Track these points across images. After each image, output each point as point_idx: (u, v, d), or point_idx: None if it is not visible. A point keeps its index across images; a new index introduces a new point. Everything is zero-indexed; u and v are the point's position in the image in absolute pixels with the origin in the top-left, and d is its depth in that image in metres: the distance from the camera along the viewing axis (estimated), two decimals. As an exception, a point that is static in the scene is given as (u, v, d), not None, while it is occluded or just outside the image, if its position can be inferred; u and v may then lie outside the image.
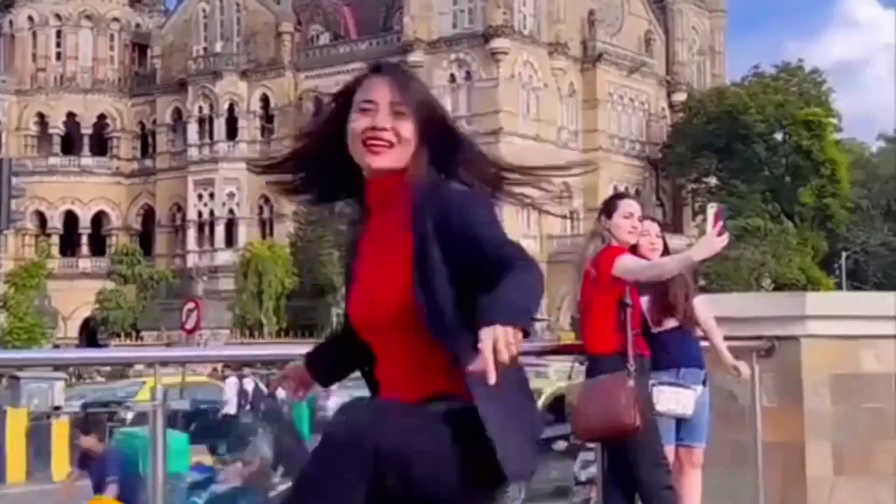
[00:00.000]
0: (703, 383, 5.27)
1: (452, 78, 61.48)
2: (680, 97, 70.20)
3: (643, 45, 69.77)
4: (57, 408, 20.40)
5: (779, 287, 55.55)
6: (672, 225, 68.54)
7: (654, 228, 5.38)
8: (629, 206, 5.27)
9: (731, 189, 63.60)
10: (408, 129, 2.46)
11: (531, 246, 59.63)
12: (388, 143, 2.45)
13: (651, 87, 69.56)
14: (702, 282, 55.64)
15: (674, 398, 5.10)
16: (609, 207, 5.28)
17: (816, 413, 5.80)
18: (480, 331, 2.12)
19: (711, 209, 4.87)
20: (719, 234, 4.73)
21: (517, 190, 2.63)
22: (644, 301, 5.22)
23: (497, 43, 59.49)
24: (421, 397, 2.38)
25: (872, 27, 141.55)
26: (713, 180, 66.43)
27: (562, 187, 2.74)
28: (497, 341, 2.09)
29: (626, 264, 5.00)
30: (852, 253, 63.94)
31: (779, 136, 63.72)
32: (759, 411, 5.76)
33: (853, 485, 5.81)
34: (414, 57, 61.69)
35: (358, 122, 2.47)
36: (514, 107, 60.02)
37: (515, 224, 59.08)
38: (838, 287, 59.56)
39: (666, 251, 5.37)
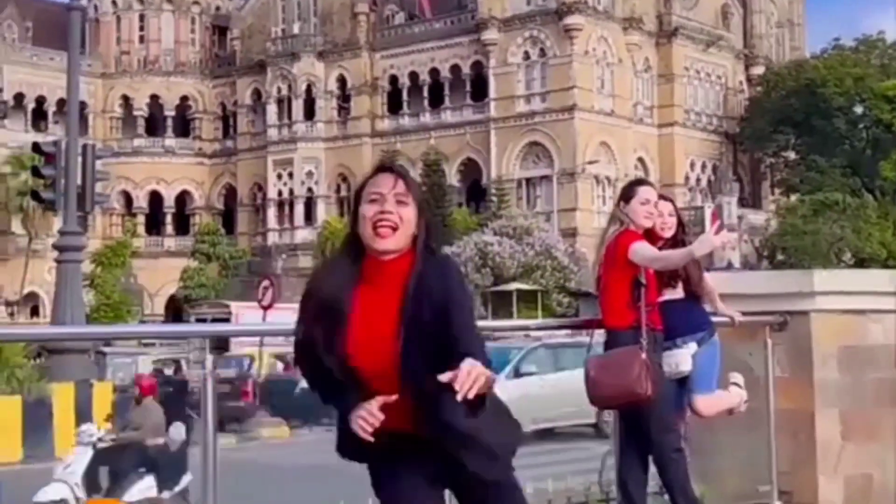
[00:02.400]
0: (700, 342, 5.64)
1: (526, 55, 61.55)
2: (758, 70, 69.36)
3: (720, 18, 69.00)
4: (142, 382, 21.25)
5: (859, 262, 54.81)
6: (751, 199, 67.99)
7: (668, 207, 5.74)
8: (647, 192, 5.67)
9: (809, 163, 62.78)
10: (409, 214, 3.08)
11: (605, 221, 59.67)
12: (393, 226, 3.05)
13: (728, 61, 68.85)
14: (781, 256, 55.31)
15: (665, 362, 5.51)
16: (628, 193, 5.69)
17: (825, 382, 6.19)
18: (464, 361, 2.81)
19: (708, 209, 5.37)
20: (717, 232, 5.20)
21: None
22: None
23: (571, 19, 59.40)
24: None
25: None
26: (792, 154, 65.60)
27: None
28: (473, 371, 2.78)
29: (638, 251, 5.42)
30: (935, 227, 62.68)
31: (859, 110, 62.58)
32: (772, 381, 6.18)
33: (859, 449, 6.18)
34: (488, 35, 61.94)
35: (367, 209, 3.08)
36: (589, 83, 59.91)
37: (591, 202, 59.25)
38: (921, 262, 58.58)
39: (680, 226, 5.74)
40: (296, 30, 68.83)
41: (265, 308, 22.60)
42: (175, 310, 61.63)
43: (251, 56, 70.53)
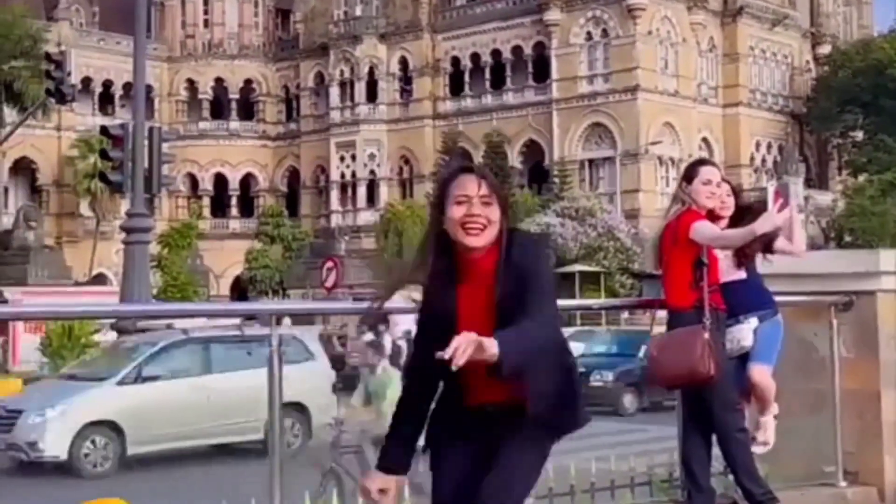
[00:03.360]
0: (762, 319, 5.64)
1: (589, 36, 61.14)
2: (824, 50, 68.28)
3: (786, -3, 68.02)
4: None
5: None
6: (817, 180, 67.04)
7: (725, 188, 5.77)
8: (709, 172, 5.68)
9: (877, 143, 61.74)
10: (495, 214, 3.31)
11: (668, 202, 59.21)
12: (481, 227, 3.29)
13: (794, 40, 67.83)
14: (848, 238, 54.53)
15: (728, 339, 5.52)
16: (690, 174, 5.70)
17: (891, 363, 6.15)
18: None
19: (771, 187, 5.36)
20: (780, 210, 5.19)
21: None
22: (720, 255, 5.64)
23: (634, -1, 58.93)
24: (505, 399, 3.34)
25: None
26: (859, 135, 64.55)
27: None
28: (461, 341, 3.01)
29: (700, 230, 5.43)
30: None
31: (927, 89, 61.40)
32: (838, 361, 6.16)
33: (926, 430, 6.17)
34: (550, 16, 61.62)
35: (456, 211, 3.30)
36: (653, 63, 59.38)
37: (655, 183, 58.83)
38: None
39: (738, 208, 5.74)
40: (358, 12, 69.02)
41: (329, 289, 22.78)
42: (241, 291, 62.39)
43: (314, 39, 70.87)
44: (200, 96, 72.75)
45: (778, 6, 66.51)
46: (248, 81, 73.39)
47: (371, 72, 68.11)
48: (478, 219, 3.27)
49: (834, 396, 6.16)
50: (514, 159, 61.75)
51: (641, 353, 19.43)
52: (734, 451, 5.52)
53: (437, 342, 3.11)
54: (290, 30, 74.70)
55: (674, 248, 5.55)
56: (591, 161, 60.27)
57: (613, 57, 59.70)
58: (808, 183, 62.49)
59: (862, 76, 61.85)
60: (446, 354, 2.99)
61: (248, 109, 73.99)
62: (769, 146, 65.89)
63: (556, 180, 56.93)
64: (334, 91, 69.34)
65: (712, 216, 5.63)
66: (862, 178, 60.92)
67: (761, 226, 5.31)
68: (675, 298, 5.53)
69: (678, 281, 5.52)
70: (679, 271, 5.51)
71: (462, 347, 3.00)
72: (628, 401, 21.93)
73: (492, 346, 3.03)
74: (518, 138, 62.65)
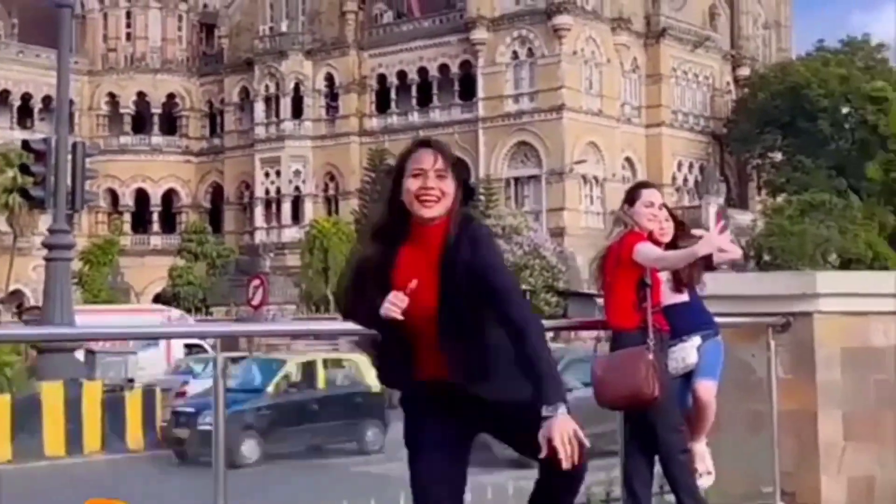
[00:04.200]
0: (704, 338, 5.67)
1: (515, 55, 61.60)
2: (744, 72, 69.62)
3: (708, 19, 69.22)
4: (130, 380, 21.23)
5: (844, 262, 55.07)
6: (737, 200, 68.20)
7: (663, 213, 5.80)
8: (651, 195, 5.72)
9: (795, 164, 63.06)
10: (449, 187, 3.46)
11: (594, 222, 59.78)
12: (435, 199, 3.43)
13: (715, 62, 69.05)
14: (767, 257, 55.51)
15: (672, 359, 5.54)
16: (632, 196, 5.73)
17: (828, 384, 6.22)
18: (546, 422, 3.26)
19: (712, 209, 5.41)
20: (720, 232, 5.24)
21: None
22: (663, 277, 5.66)
23: (559, 19, 59.47)
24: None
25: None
26: (778, 155, 65.85)
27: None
28: (563, 436, 3.22)
29: (643, 252, 5.45)
30: (920, 228, 63.04)
31: (844, 111, 62.89)
32: (775, 382, 6.20)
33: (861, 450, 6.22)
34: (476, 34, 61.96)
35: (412, 183, 3.46)
36: (577, 83, 60.01)
37: (579, 202, 59.38)
38: (906, 262, 58.85)
39: (678, 229, 5.77)
40: (284, 28, 68.75)
41: (255, 308, 22.53)
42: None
43: (239, 54, 70.40)
44: (122, 111, 71.81)
45: (699, 28, 67.69)
46: (170, 96, 72.59)
47: (297, 88, 67.83)
48: (431, 191, 3.41)
49: (772, 417, 6.20)
50: (440, 177, 61.73)
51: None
52: (677, 471, 5.54)
53: (368, 293, 3.44)
54: (214, 44, 74.10)
55: (617, 270, 5.56)
56: (516, 179, 60.64)
57: (539, 76, 60.20)
58: (729, 203, 63.56)
59: (780, 98, 63.14)
60: (385, 310, 3.36)
61: (170, 124, 73.17)
62: (690, 166, 66.90)
63: (482, 198, 57.06)
64: (259, 106, 68.92)
65: (653, 239, 5.65)
66: (780, 198, 62.11)
67: (703, 248, 5.35)
68: (618, 319, 5.54)
69: (622, 302, 5.53)
70: (622, 292, 5.52)
71: (568, 443, 3.20)
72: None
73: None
74: (444, 156, 62.66)
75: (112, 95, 71.67)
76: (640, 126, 64.45)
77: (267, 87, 68.83)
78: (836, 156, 63.52)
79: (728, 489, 6.22)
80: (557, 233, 54.94)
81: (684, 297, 5.70)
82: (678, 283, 5.69)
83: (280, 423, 16.76)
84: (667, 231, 5.68)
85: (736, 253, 5.86)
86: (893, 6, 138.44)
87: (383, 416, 17.10)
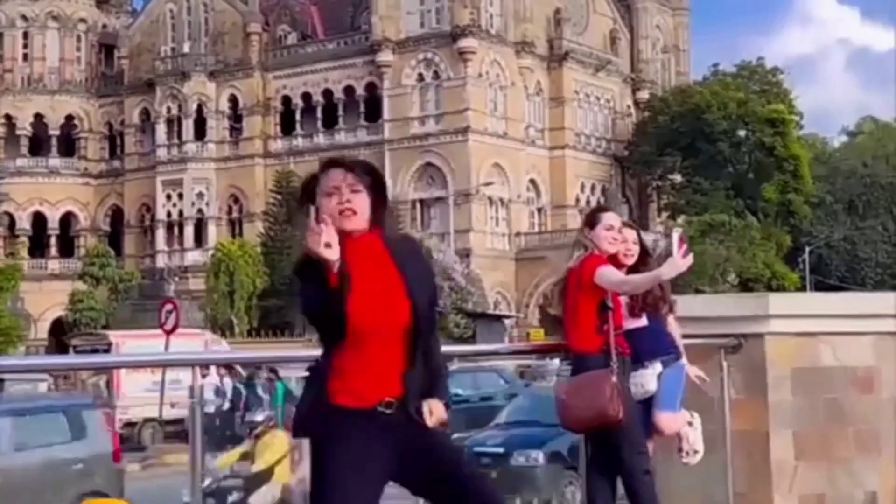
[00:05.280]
0: (665, 364, 5.72)
1: (420, 77, 61.85)
2: (645, 95, 70.92)
3: (608, 43, 70.43)
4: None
5: (743, 282, 56.33)
6: (638, 221, 69.31)
7: (632, 235, 5.83)
8: (611, 218, 5.76)
9: (695, 186, 64.40)
10: (363, 199, 3.54)
11: (500, 244, 60.16)
12: (352, 212, 3.51)
13: (616, 85, 70.24)
14: (668, 277, 56.45)
15: (632, 383, 5.59)
16: (592, 220, 5.76)
17: (779, 404, 6.33)
18: (432, 400, 3.55)
19: (676, 233, 5.47)
20: (684, 256, 5.31)
21: None
22: (623, 300, 5.71)
23: (464, 42, 59.91)
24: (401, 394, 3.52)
25: (829, 22, 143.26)
26: (678, 177, 67.12)
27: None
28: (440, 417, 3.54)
29: (605, 276, 5.48)
30: (815, 248, 64.90)
31: (742, 133, 64.50)
32: (728, 403, 6.30)
33: (812, 469, 6.34)
34: (382, 56, 62.06)
35: (327, 202, 3.51)
36: (482, 105, 60.48)
37: (485, 223, 59.75)
38: (802, 281, 60.45)
39: (644, 254, 5.83)
40: (186, 49, 67.96)
41: (168, 332, 22.15)
42: (59, 335, 60.02)
43: (139, 75, 69.35)
44: (18, 132, 70.12)
45: (601, 52, 68.81)
46: (69, 117, 71.14)
47: (199, 109, 67.08)
48: (348, 205, 3.50)
49: (724, 437, 6.28)
50: (347, 199, 61.56)
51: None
52: (640, 492, 5.57)
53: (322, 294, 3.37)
54: (114, 65, 72.90)
55: (578, 293, 5.59)
56: (422, 201, 60.76)
57: (444, 98, 60.52)
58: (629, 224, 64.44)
59: (680, 121, 64.46)
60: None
61: (69, 146, 71.69)
62: (593, 188, 67.81)
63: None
64: (161, 128, 67.95)
65: (615, 262, 5.69)
66: (680, 219, 63.29)
67: (667, 271, 5.41)
68: (580, 343, 5.56)
69: (583, 325, 5.56)
70: (584, 316, 5.55)
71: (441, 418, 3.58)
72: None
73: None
74: (350, 178, 62.51)
75: (8, 117, 69.96)
76: (544, 148, 65.17)
77: (169, 108, 67.91)
78: (733, 177, 65.07)
79: (682, 509, 6.30)
80: (464, 254, 55.18)
81: (643, 321, 5.75)
82: (636, 308, 5.73)
83: None
84: (632, 253, 5.73)
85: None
86: (784, 30, 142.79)
87: None
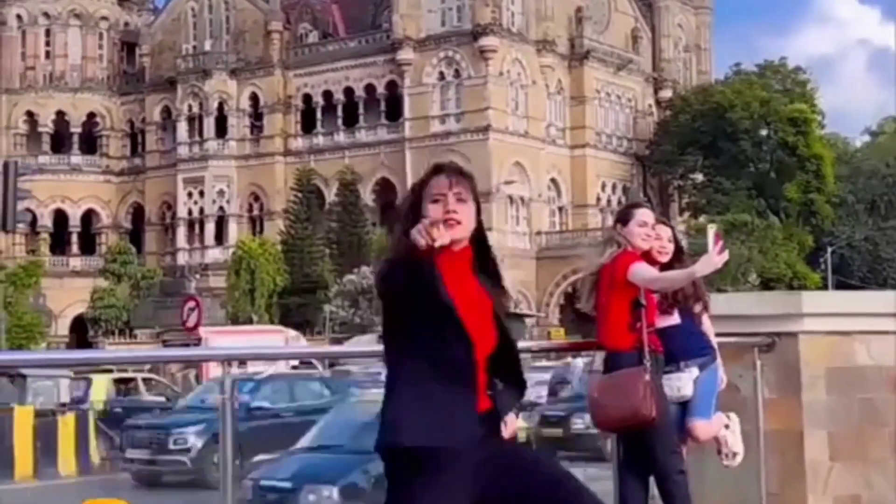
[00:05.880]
0: (702, 367, 5.64)
1: (441, 76, 61.83)
2: (666, 94, 70.70)
3: (630, 42, 70.24)
4: (63, 405, 20.71)
5: (765, 282, 56.04)
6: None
7: (666, 233, 5.74)
8: (644, 215, 5.67)
9: (716, 185, 64.12)
10: (469, 209, 3.39)
11: (521, 242, 60.04)
12: (457, 222, 3.33)
13: (638, 84, 70.03)
14: (689, 277, 56.26)
15: (667, 385, 5.50)
16: (625, 216, 5.68)
17: (813, 403, 6.23)
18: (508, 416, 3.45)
19: (711, 230, 5.37)
20: (719, 253, 5.21)
21: None
22: (655, 298, 5.63)
23: (485, 41, 59.85)
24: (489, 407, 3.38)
25: (849, 23, 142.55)
26: (699, 177, 66.90)
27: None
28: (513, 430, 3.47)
29: (638, 272, 5.40)
30: (837, 248, 64.50)
31: (764, 133, 64.20)
32: (761, 402, 6.20)
33: (847, 470, 6.24)
34: (403, 55, 62.05)
35: (432, 209, 3.35)
36: (503, 104, 60.41)
37: (505, 222, 59.63)
38: (824, 282, 60.10)
39: (678, 252, 5.75)
40: (207, 47, 68.13)
41: (190, 330, 22.18)
42: (81, 331, 60.28)
43: (161, 73, 69.56)
44: (40, 129, 70.48)
45: (622, 51, 68.62)
46: (91, 115, 71.46)
47: (220, 107, 67.26)
48: (454, 214, 3.34)
49: (758, 437, 6.19)
50: (367, 197, 61.71)
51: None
52: (674, 493, 5.49)
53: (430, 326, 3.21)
54: (135, 63, 73.16)
55: (611, 290, 5.51)
56: (443, 200, 60.63)
57: (465, 97, 60.47)
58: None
59: (702, 120, 64.21)
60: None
61: (90, 144, 71.99)
62: (614, 187, 67.63)
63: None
64: (182, 126, 68.16)
65: (648, 258, 5.61)
66: (702, 218, 63.03)
67: (702, 268, 5.32)
68: (613, 340, 5.48)
69: (616, 323, 5.47)
70: (617, 313, 5.46)
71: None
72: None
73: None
74: (370, 176, 62.66)
75: (30, 114, 70.34)
76: (565, 147, 65.03)
77: (190, 106, 68.12)
78: (755, 177, 64.81)
79: (715, 510, 6.22)
80: (485, 253, 55.02)
81: (675, 319, 5.67)
82: (666, 304, 5.65)
83: None
84: (667, 250, 5.65)
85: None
86: (805, 30, 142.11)
87: None
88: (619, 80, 68.07)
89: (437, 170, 3.46)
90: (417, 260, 3.15)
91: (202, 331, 30.39)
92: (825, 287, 58.29)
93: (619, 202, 66.31)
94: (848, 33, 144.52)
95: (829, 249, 62.08)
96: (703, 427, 5.62)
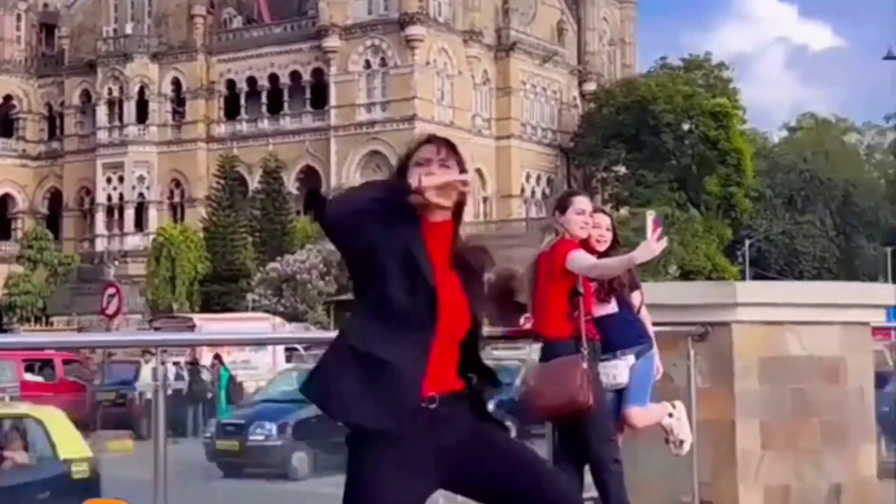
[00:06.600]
0: (638, 355, 5.62)
1: (367, 64, 61.57)
2: (591, 87, 71.24)
3: (556, 34, 70.60)
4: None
5: (685, 273, 56.76)
6: (582, 212, 69.58)
7: (605, 221, 5.73)
8: (582, 203, 5.64)
9: (639, 178, 64.76)
10: (451, 177, 3.22)
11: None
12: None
13: (563, 77, 70.45)
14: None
15: (603, 373, 5.49)
16: (564, 204, 5.64)
17: (746, 393, 6.25)
18: None
19: (650, 217, 5.34)
20: (658, 240, 5.18)
21: None
22: (592, 286, 5.60)
23: (412, 30, 59.72)
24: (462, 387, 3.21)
25: (768, 20, 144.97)
26: (622, 169, 67.52)
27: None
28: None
29: (577, 260, 5.36)
30: (755, 241, 65.58)
31: (686, 127, 65.02)
32: (694, 392, 6.22)
33: (778, 459, 6.27)
34: (329, 42, 61.64)
35: (414, 172, 3.21)
36: (429, 93, 60.37)
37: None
38: (742, 274, 61.06)
39: (615, 241, 5.74)
40: (128, 30, 67.01)
41: (110, 316, 21.77)
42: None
43: (80, 56, 68.30)
44: (-45, 111, 68.80)
45: (548, 43, 68.95)
46: (7, 98, 69.97)
47: (142, 92, 66.26)
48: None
49: (690, 426, 6.20)
50: (291, 185, 61.25)
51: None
52: (608, 481, 5.47)
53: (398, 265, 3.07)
54: (54, 45, 71.70)
55: (549, 279, 5.47)
56: (367, 189, 60.39)
57: (391, 86, 60.30)
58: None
59: (625, 113, 64.79)
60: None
61: (7, 127, 70.50)
62: (538, 178, 68.01)
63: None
64: (102, 110, 67.04)
65: (586, 247, 5.58)
66: (624, 210, 63.61)
67: (641, 255, 5.29)
68: (551, 329, 5.44)
69: (555, 311, 5.43)
70: (555, 302, 5.42)
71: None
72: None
73: None
74: (295, 164, 62.21)
75: (-55, 96, 68.65)
76: (491, 138, 65.22)
77: (110, 90, 67.02)
78: (677, 170, 65.56)
79: (647, 499, 6.21)
80: (410, 242, 54.97)
81: (612, 307, 5.65)
82: (602, 293, 5.63)
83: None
84: (605, 240, 5.63)
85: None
86: (725, 27, 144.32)
87: None
88: (544, 72, 68.41)
89: (428, 140, 3.36)
90: (404, 203, 3.06)
91: (194, 317, 31.64)
92: (743, 280, 59.29)
93: (544, 193, 66.74)
94: (767, 31, 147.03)
95: (748, 242, 63.09)
96: (638, 414, 5.61)
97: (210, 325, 28.37)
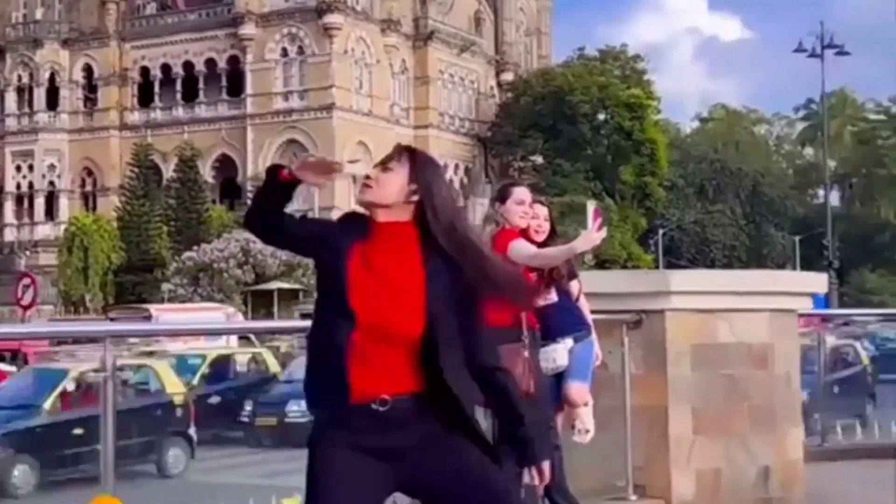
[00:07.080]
0: (577, 340, 5.71)
1: (285, 52, 61.07)
2: (508, 77, 71.58)
3: (473, 24, 70.76)
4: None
5: (600, 262, 57.36)
6: (499, 202, 69.98)
7: (543, 212, 5.80)
8: (521, 193, 5.71)
9: (556, 167, 65.30)
10: (390, 178, 3.14)
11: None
12: (370, 184, 3.15)
13: (480, 67, 70.67)
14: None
15: (542, 358, 5.56)
16: (503, 194, 5.71)
17: (678, 379, 6.40)
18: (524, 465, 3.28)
19: (591, 206, 5.49)
20: (598, 229, 5.28)
21: None
22: (533, 276, 5.68)
23: (330, 18, 59.36)
24: (405, 391, 3.04)
25: (678, 11, 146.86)
26: (539, 159, 68.00)
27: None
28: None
29: (518, 249, 5.42)
30: (668, 230, 66.59)
31: (602, 117, 65.71)
32: (628, 378, 6.35)
33: (709, 443, 6.44)
34: (245, 30, 61.00)
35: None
36: (347, 82, 60.10)
37: (345, 201, 59.33)
38: (655, 263, 61.96)
39: (553, 232, 5.82)
40: (38, 15, 65.60)
41: (25, 307, 21.34)
42: None
43: (-12, 41, 66.60)
44: None
45: (466, 33, 69.09)
46: (-89, 83, 67.85)
47: (52, 78, 64.97)
48: (367, 180, 3.18)
49: (625, 412, 6.33)
50: (207, 174, 60.55)
51: None
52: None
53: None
54: (-39, 30, 69.78)
55: (490, 268, 5.51)
56: (285, 178, 59.97)
57: (309, 74, 59.91)
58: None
59: (542, 103, 65.25)
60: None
61: (-89, 113, 68.35)
62: (456, 167, 68.12)
63: (251, 196, 56.26)
64: (10, 97, 65.61)
65: (525, 237, 5.65)
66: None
67: (582, 244, 5.39)
68: (492, 317, 5.47)
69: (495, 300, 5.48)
70: (496, 291, 5.48)
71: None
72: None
73: None
74: (211, 152, 61.49)
75: None
76: (409, 127, 65.18)
77: (19, 76, 65.61)
78: (593, 160, 66.26)
79: (582, 483, 6.31)
80: (327, 232, 54.75)
81: (553, 297, 5.73)
82: (545, 283, 5.70)
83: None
84: (544, 230, 5.70)
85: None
86: (638, 18, 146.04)
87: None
88: (462, 61, 68.56)
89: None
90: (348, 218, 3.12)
91: (151, 308, 31.56)
92: (657, 268, 60.15)
93: (462, 183, 66.91)
94: (677, 22, 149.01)
95: (661, 231, 64.04)
96: (577, 389, 5.66)
97: (166, 315, 28.81)
